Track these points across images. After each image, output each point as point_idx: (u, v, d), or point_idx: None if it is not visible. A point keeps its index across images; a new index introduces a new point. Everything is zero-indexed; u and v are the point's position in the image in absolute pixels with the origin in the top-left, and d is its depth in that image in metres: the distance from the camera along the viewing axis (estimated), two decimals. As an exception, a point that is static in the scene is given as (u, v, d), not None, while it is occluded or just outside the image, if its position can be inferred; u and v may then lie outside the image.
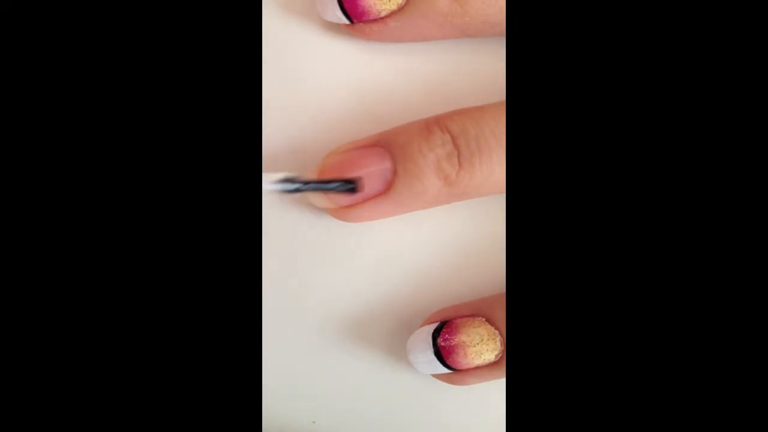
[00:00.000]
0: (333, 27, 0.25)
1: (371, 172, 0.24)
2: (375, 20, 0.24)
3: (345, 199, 0.24)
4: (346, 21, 0.25)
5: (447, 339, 0.24)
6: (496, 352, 0.24)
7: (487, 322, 0.24)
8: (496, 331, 0.24)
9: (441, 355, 0.24)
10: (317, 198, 0.24)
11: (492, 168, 0.23)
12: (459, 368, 0.24)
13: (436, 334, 0.24)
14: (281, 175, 0.23)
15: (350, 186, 0.23)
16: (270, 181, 0.23)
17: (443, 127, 0.23)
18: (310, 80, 0.26)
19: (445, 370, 0.25)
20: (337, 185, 0.24)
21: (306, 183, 0.23)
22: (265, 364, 0.26)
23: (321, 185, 0.24)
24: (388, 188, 0.24)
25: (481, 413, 0.27)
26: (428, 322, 0.25)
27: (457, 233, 0.26)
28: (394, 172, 0.23)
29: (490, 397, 0.26)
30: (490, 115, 0.23)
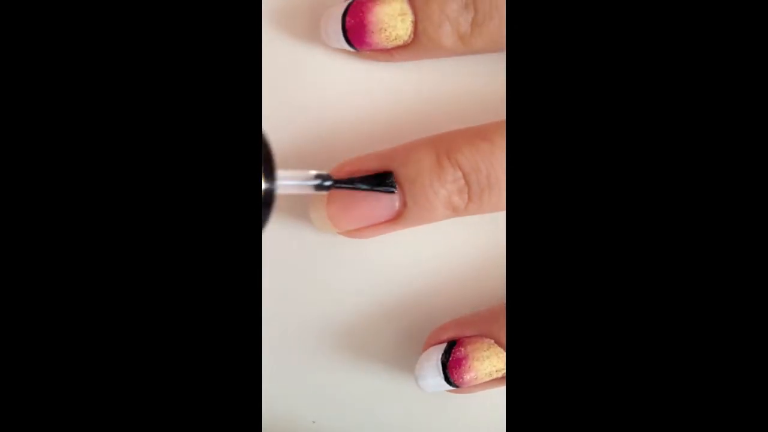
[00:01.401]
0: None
1: (380, 200, 0.24)
2: (380, 51, 0.24)
3: (351, 223, 0.24)
4: (351, 49, 0.24)
5: (456, 363, 0.24)
6: (504, 371, 0.24)
7: (495, 344, 0.24)
8: (504, 352, 0.24)
9: (451, 379, 0.24)
10: (321, 222, 0.24)
11: (500, 198, 0.23)
12: (467, 386, 0.25)
13: (444, 359, 0.24)
14: (313, 172, 0.23)
15: (389, 186, 0.23)
16: (302, 178, 0.23)
17: (454, 162, 0.23)
18: (310, 91, 0.26)
19: (453, 388, 0.25)
20: (373, 185, 0.23)
21: (338, 181, 0.23)
22: (265, 365, 0.26)
23: (356, 184, 0.23)
24: (396, 217, 0.24)
25: (482, 416, 0.27)
26: (433, 340, 0.25)
27: (458, 242, 0.26)
28: (404, 203, 0.24)
29: (491, 400, 0.26)
30: (499, 148, 0.23)
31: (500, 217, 0.25)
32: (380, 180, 0.23)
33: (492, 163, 0.23)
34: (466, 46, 0.24)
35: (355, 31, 0.24)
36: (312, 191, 0.23)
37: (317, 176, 0.23)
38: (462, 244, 0.26)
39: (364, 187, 0.23)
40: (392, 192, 0.23)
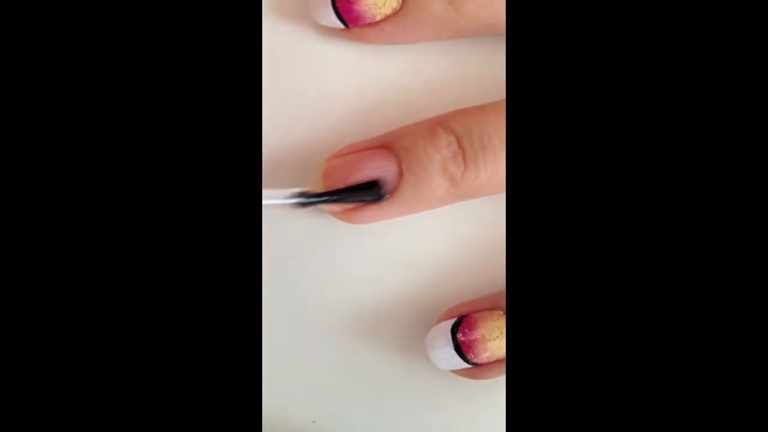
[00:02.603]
0: (329, 29, 0.25)
1: (376, 174, 0.24)
2: (370, 24, 0.24)
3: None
4: (341, 26, 0.25)
5: (466, 333, 0.24)
6: None
7: (505, 315, 0.24)
8: None
9: (461, 349, 0.24)
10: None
11: (496, 167, 0.23)
12: (479, 362, 0.24)
13: (455, 329, 0.24)
14: (294, 190, 0.23)
15: (376, 194, 0.23)
16: (280, 197, 0.23)
17: (447, 128, 0.23)
18: (308, 82, 0.26)
19: (466, 365, 0.24)
20: (360, 195, 0.23)
21: (321, 196, 0.23)
22: (265, 364, 0.26)
23: (342, 196, 0.23)
24: (393, 191, 0.24)
25: (482, 412, 0.27)
26: (445, 317, 0.25)
27: (464, 229, 0.26)
28: (400, 174, 0.23)
29: (491, 397, 0.26)
30: (492, 115, 0.23)
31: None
32: (367, 187, 0.23)
33: (484, 127, 0.23)
34: (457, 12, 0.24)
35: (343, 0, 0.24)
36: (297, 208, 0.23)
37: (300, 194, 0.23)
38: (469, 236, 0.26)
39: (350, 199, 0.23)
40: (381, 198, 0.23)
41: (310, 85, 0.26)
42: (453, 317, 0.25)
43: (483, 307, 0.25)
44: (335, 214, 0.25)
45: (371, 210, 0.24)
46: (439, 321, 0.25)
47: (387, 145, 0.24)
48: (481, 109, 0.24)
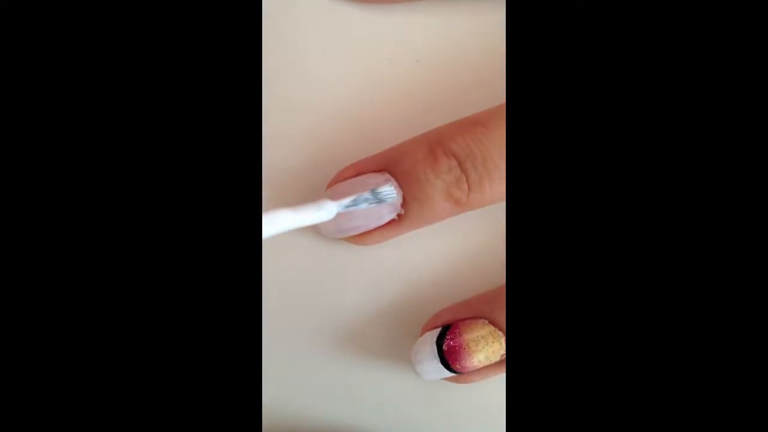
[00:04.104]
0: (329, 34, 0.25)
1: (388, 218, 0.24)
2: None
3: (356, 226, 0.24)
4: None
5: (452, 346, 0.24)
6: (501, 352, 0.24)
7: (489, 324, 0.24)
8: (500, 332, 0.24)
9: (447, 362, 0.24)
10: (328, 229, 0.24)
11: (501, 184, 0.23)
12: (465, 372, 0.24)
13: (440, 342, 0.24)
14: (348, 200, 0.23)
15: (388, 194, 0.23)
16: (339, 205, 0.23)
17: (448, 151, 0.23)
18: (310, 86, 0.26)
19: (452, 374, 0.24)
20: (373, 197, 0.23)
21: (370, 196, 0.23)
22: (265, 366, 0.26)
23: (358, 204, 0.23)
24: (399, 216, 0.24)
25: (482, 412, 0.27)
26: (429, 326, 0.25)
27: (453, 236, 0.26)
28: (404, 200, 0.23)
29: (491, 396, 0.26)
30: (493, 132, 0.23)
31: (497, 213, 0.25)
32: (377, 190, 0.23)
33: (486, 147, 0.23)
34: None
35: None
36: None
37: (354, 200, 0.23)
38: (462, 241, 0.26)
39: (365, 205, 0.23)
40: (394, 197, 0.23)
41: (310, 89, 0.26)
42: (436, 327, 0.25)
43: (466, 315, 0.25)
44: (347, 239, 0.25)
45: (378, 234, 0.24)
46: (422, 331, 0.25)
47: (387, 168, 0.24)
48: (482, 125, 0.23)
